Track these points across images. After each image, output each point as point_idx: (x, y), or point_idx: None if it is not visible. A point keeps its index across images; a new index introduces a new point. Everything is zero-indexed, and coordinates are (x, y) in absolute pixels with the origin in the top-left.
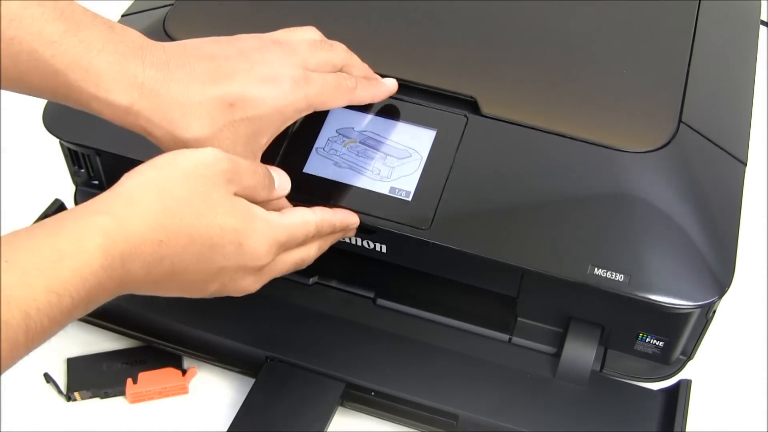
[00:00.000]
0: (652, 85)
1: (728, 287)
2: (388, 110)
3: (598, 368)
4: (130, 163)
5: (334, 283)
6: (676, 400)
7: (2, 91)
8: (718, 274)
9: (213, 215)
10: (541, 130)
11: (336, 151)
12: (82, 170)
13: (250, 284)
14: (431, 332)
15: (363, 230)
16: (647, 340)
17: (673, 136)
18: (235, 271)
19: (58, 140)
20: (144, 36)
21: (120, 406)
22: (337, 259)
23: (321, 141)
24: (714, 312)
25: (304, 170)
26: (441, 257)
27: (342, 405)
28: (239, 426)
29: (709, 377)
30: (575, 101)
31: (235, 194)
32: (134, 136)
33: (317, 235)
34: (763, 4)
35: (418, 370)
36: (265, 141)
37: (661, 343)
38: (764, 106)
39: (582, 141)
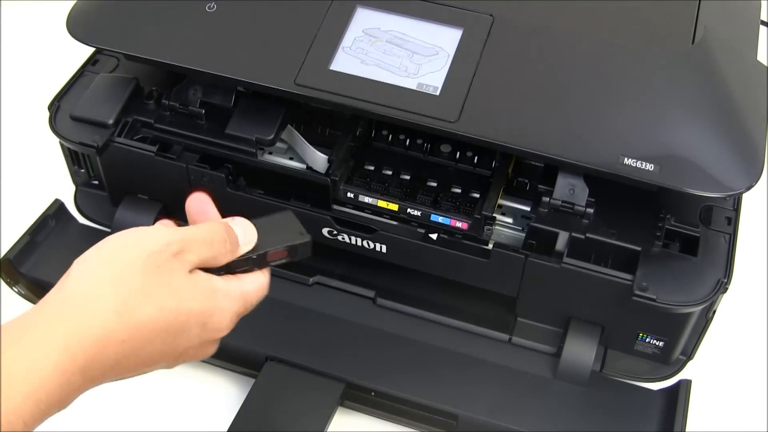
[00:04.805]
0: None
1: (756, 181)
2: (414, 10)
3: (598, 368)
4: (134, 158)
5: (334, 283)
6: (676, 400)
7: (2, 91)
8: (747, 166)
9: (176, 303)
10: (567, 32)
11: (363, 49)
12: (82, 170)
13: (212, 350)
14: (431, 332)
15: (363, 229)
16: (647, 340)
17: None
18: (199, 346)
19: (58, 140)
20: None
21: (121, 407)
22: (337, 259)
23: (347, 40)
24: (714, 312)
25: (331, 67)
26: (441, 258)
27: (342, 405)
28: (239, 426)
29: (709, 377)
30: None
31: (195, 269)
32: (160, 39)
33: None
34: (763, 4)
35: (418, 370)
36: None
37: (661, 343)
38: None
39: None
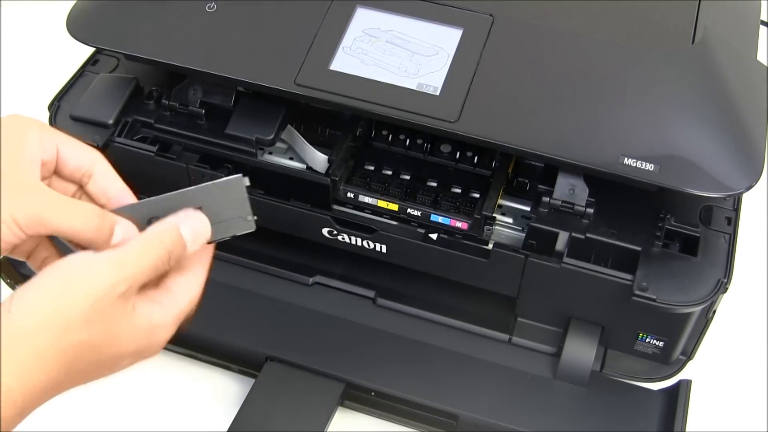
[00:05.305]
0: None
1: (756, 181)
2: (414, 10)
3: (598, 368)
4: (134, 158)
5: (334, 283)
6: (676, 400)
7: (2, 91)
8: (747, 166)
9: (115, 348)
10: (567, 32)
11: (362, 49)
12: None
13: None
14: (431, 332)
15: (363, 230)
16: (647, 340)
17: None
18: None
19: None
20: None
21: (121, 407)
22: (337, 259)
23: (347, 40)
24: (714, 312)
25: (331, 67)
26: (441, 258)
27: (342, 405)
28: (239, 426)
29: (709, 377)
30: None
31: (136, 301)
32: (160, 39)
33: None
34: (763, 4)
35: (418, 370)
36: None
37: (661, 343)
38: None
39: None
